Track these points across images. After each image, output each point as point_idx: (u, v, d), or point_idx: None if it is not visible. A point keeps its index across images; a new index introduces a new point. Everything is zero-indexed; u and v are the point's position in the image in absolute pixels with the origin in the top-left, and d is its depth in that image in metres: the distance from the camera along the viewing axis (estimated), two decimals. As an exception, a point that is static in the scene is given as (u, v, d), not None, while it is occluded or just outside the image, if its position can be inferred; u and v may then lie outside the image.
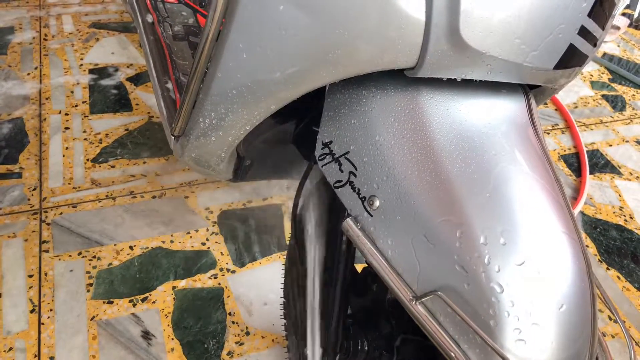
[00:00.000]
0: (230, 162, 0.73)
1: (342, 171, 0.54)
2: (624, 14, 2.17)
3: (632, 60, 1.91)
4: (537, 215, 0.48)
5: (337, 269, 0.64)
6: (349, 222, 0.51)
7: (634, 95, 1.72)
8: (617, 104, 1.67)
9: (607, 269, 1.14)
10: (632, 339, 1.02)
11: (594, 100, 1.67)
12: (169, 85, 0.82)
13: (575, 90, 1.69)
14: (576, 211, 1.24)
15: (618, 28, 2.01)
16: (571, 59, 0.50)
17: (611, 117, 1.61)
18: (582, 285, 0.47)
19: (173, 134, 0.69)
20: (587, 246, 1.17)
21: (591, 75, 1.79)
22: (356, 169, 0.52)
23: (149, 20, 0.94)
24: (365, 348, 0.61)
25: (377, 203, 0.50)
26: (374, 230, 0.50)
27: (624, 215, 1.27)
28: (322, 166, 0.56)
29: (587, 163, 1.36)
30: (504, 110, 0.53)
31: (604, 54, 1.92)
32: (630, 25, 2.09)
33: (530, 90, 0.57)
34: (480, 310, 0.44)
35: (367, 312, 0.66)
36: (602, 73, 1.81)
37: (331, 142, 0.56)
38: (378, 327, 0.61)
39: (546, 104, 1.59)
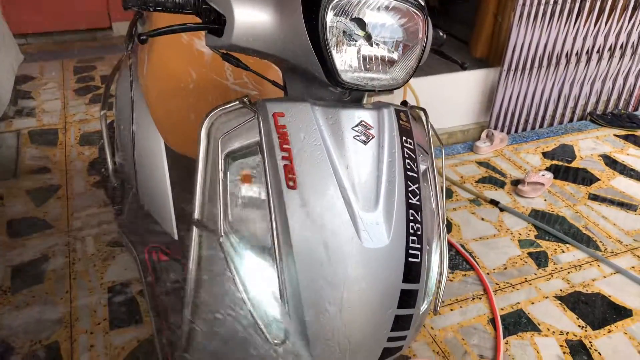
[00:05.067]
0: None
1: None
2: (547, 169, 2.58)
3: (556, 213, 2.28)
4: None
5: None
6: None
7: (555, 249, 2.07)
8: (541, 260, 2.01)
9: None
10: None
11: (520, 259, 2.01)
12: (164, 340, 1.18)
13: (504, 252, 2.05)
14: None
15: (543, 184, 2.40)
16: (389, 352, 0.85)
17: (534, 274, 1.94)
18: None
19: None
20: (508, 405, 1.46)
21: (520, 234, 2.15)
22: None
23: (149, 280, 1.32)
24: None
25: None
26: None
27: (540, 372, 1.56)
28: None
29: (501, 328, 1.68)
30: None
31: (532, 210, 2.30)
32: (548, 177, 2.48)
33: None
34: None
35: None
36: (530, 230, 2.17)
37: None
38: None
39: (471, 269, 1.93)
